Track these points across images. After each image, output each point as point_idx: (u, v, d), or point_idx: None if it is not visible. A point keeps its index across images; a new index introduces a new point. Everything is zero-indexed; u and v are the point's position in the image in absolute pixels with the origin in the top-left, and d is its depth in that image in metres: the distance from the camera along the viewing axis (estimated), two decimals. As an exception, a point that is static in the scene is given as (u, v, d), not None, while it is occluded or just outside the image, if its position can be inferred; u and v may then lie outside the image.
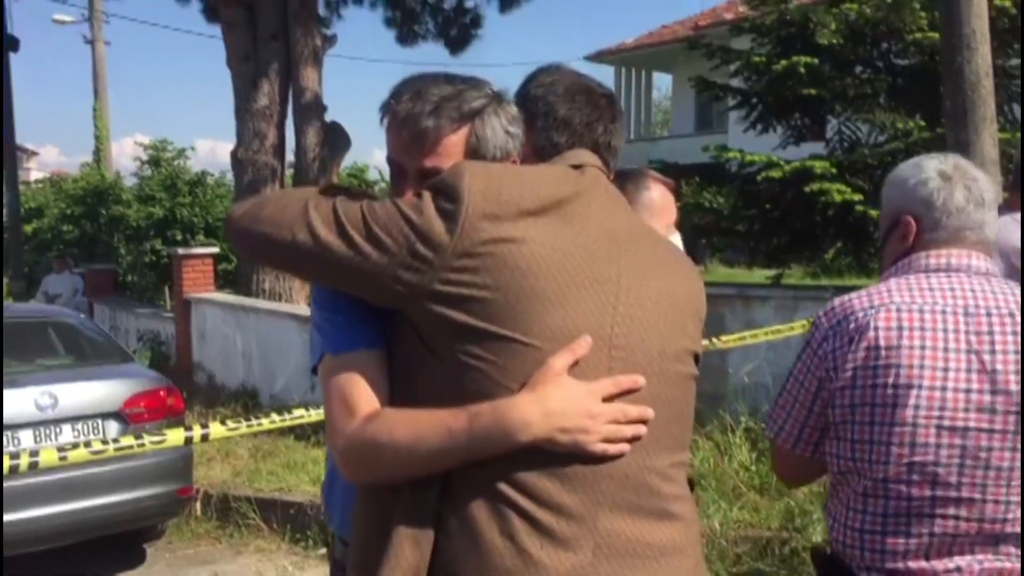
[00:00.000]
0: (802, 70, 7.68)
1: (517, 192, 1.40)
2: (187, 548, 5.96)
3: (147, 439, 4.06)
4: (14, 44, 14.68)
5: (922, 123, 7.58)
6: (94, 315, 13.60)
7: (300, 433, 7.45)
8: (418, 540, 1.35)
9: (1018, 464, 1.72)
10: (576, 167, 1.55)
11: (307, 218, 1.41)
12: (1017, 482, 1.72)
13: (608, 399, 1.38)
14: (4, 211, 15.76)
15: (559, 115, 1.66)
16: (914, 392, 1.73)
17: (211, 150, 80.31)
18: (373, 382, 1.42)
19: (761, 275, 10.65)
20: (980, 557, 1.76)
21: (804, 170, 7.27)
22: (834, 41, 7.69)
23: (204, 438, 4.26)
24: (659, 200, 2.45)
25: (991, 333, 1.74)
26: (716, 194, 8.75)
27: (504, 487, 1.34)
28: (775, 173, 7.55)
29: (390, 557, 1.34)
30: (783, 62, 7.80)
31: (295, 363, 8.73)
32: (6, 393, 5.17)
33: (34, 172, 49.07)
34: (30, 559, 5.23)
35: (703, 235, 9.11)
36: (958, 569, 1.75)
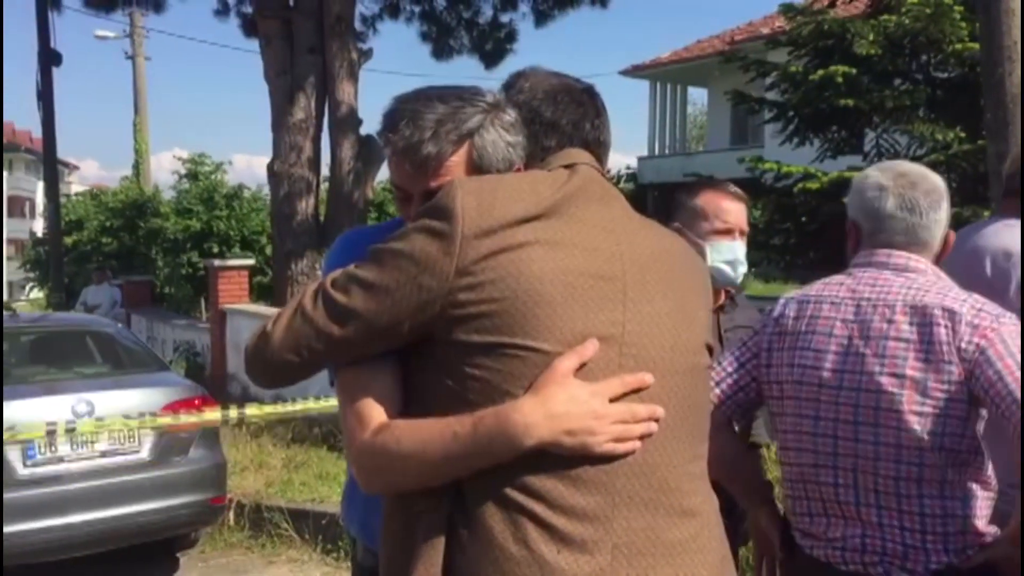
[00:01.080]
0: (839, 79, 7.61)
1: (511, 203, 1.39)
2: (220, 557, 5.98)
3: (184, 418, 4.09)
4: (57, 59, 14.94)
5: (962, 135, 7.48)
6: (131, 325, 13.75)
7: (333, 444, 7.46)
8: (433, 550, 1.35)
9: (884, 441, 1.86)
10: (568, 166, 1.54)
11: (311, 326, 1.42)
12: (886, 459, 1.86)
13: (616, 399, 1.36)
14: (46, 223, 16.01)
15: (545, 119, 1.64)
16: (799, 370, 1.97)
17: (248, 164, 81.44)
18: (386, 394, 1.43)
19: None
20: (859, 530, 1.91)
21: (842, 182, 7.19)
22: (872, 52, 7.62)
23: (241, 420, 4.34)
24: (705, 207, 2.52)
25: (870, 322, 1.91)
26: (752, 207, 8.69)
27: (516, 493, 1.33)
28: (812, 185, 7.49)
29: (411, 571, 1.35)
30: (820, 72, 7.73)
31: (326, 375, 8.74)
32: (45, 400, 5.25)
33: (75, 186, 50.00)
34: (65, 566, 5.27)
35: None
36: (842, 537, 1.92)
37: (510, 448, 1.31)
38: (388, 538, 1.47)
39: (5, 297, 41.15)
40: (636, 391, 1.38)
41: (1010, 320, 1.85)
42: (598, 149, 1.66)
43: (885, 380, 1.86)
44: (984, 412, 1.86)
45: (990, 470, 1.90)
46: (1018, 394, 1.72)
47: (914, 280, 1.94)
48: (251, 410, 4.32)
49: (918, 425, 1.82)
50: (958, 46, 7.52)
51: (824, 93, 7.96)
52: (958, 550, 1.84)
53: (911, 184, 2.00)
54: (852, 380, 1.90)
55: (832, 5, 8.92)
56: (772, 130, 9.96)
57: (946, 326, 1.83)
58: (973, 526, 1.85)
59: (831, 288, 2.03)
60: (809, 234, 8.24)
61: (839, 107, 7.89)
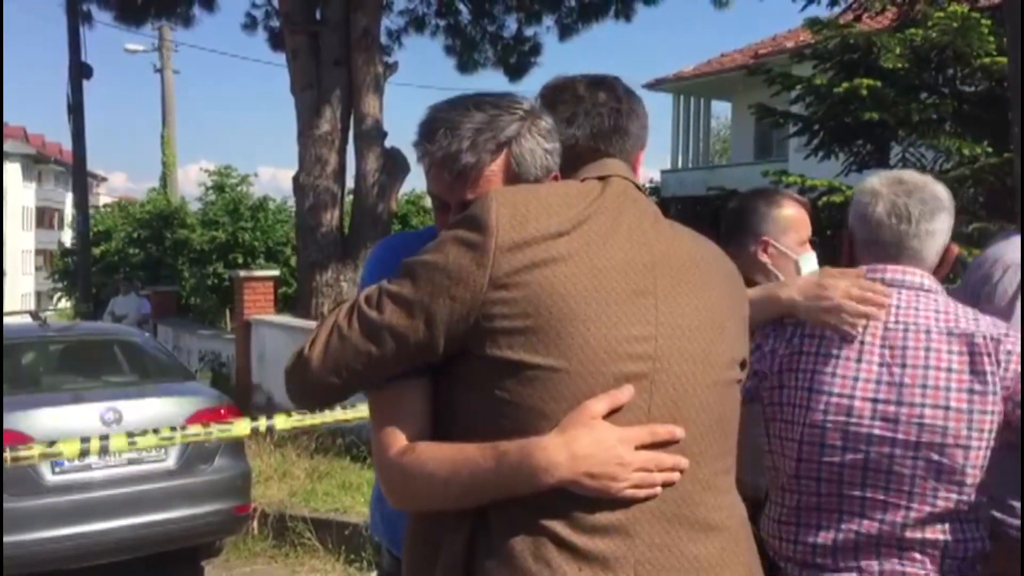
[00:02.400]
0: (864, 92, 7.57)
1: (545, 215, 1.38)
2: (244, 566, 6.01)
3: (215, 429, 4.17)
4: (88, 72, 15.14)
5: (989, 148, 7.43)
6: (158, 335, 13.87)
7: (356, 454, 7.50)
8: (454, 568, 1.36)
9: (919, 474, 1.79)
10: (601, 178, 1.53)
11: (349, 346, 1.41)
12: (920, 492, 1.79)
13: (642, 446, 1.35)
14: (75, 234, 16.17)
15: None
16: (824, 397, 1.84)
17: (272, 176, 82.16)
18: (415, 412, 1.43)
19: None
20: (883, 561, 1.82)
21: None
22: (898, 66, 7.58)
23: (269, 430, 4.39)
24: (791, 217, 2.43)
25: (904, 348, 1.83)
26: (776, 220, 8.66)
27: (537, 513, 1.33)
28: (837, 198, 7.46)
29: None
30: (845, 84, 7.70)
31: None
32: (73, 408, 5.31)
33: (103, 197, 50.56)
34: (92, 573, 5.32)
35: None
36: (859, 569, 1.83)
37: (530, 485, 1.31)
38: (410, 552, 1.48)
39: (33, 306, 41.57)
40: (666, 444, 1.37)
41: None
42: (619, 139, 1.64)
43: (929, 411, 1.78)
44: None
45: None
46: None
47: (935, 302, 1.88)
48: (279, 421, 4.36)
49: (962, 460, 1.76)
50: (985, 59, 7.47)
51: (849, 106, 7.92)
52: (968, 571, 1.81)
53: (906, 192, 1.94)
54: (890, 410, 1.80)
55: (858, 19, 8.90)
56: (796, 144, 9.92)
57: (990, 354, 1.78)
58: (983, 551, 1.82)
59: None
60: (835, 248, 8.19)
61: (864, 120, 7.84)
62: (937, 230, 1.94)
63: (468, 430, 1.38)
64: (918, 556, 1.81)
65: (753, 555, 1.48)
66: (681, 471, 1.37)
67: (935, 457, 1.77)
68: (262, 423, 4.43)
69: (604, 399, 1.33)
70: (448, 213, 1.55)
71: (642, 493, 1.34)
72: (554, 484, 1.30)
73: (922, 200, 1.93)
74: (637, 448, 1.34)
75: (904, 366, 1.81)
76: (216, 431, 4.40)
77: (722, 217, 2.53)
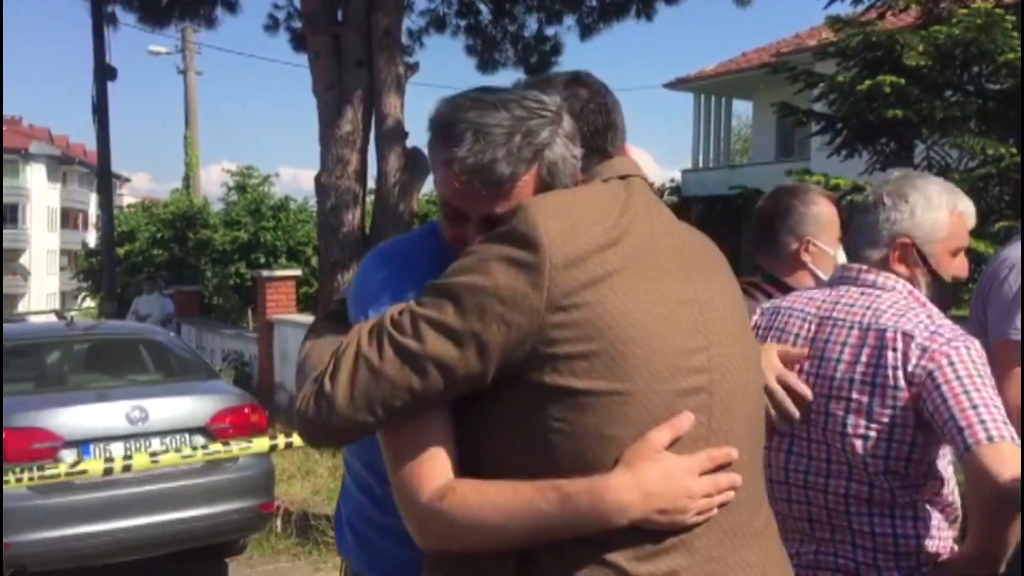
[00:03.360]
0: (887, 90, 7.51)
1: (590, 225, 1.31)
2: (267, 563, 6.05)
3: (234, 446, 4.23)
4: (112, 74, 15.26)
5: (1014, 148, 7.36)
6: (181, 335, 13.98)
7: (378, 453, 7.52)
8: None
9: (834, 461, 1.84)
10: (622, 178, 1.46)
11: (385, 380, 1.28)
12: (836, 480, 1.84)
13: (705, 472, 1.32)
14: (99, 234, 16.30)
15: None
16: None
17: (293, 177, 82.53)
18: (441, 443, 1.32)
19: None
20: (819, 547, 1.89)
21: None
22: (922, 63, 7.52)
23: (288, 446, 4.47)
24: (827, 215, 2.43)
25: (826, 342, 1.88)
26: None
27: (596, 547, 1.27)
28: (861, 198, 7.41)
29: None
30: (868, 82, 7.64)
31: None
32: (99, 407, 5.37)
33: (126, 198, 50.92)
34: (116, 570, 5.37)
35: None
36: (797, 555, 1.89)
37: (601, 526, 1.25)
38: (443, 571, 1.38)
39: (58, 306, 42.02)
40: (723, 467, 1.34)
41: (965, 344, 1.79)
42: (614, 135, 1.54)
43: (832, 404, 1.84)
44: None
45: (953, 494, 1.89)
46: (962, 421, 1.68)
47: (877, 298, 1.90)
48: (297, 438, 4.50)
49: (862, 449, 1.80)
50: (1010, 56, 7.40)
51: (872, 104, 7.86)
52: (910, 569, 1.82)
53: (897, 192, 1.99)
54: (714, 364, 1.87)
55: (881, 17, 8.83)
56: (818, 143, 9.85)
57: (895, 349, 1.80)
58: (926, 547, 1.82)
59: (801, 301, 2.01)
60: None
61: (888, 119, 7.78)
62: (868, 223, 2.01)
63: (506, 462, 1.30)
64: (848, 546, 1.85)
65: (784, 554, 1.48)
66: (735, 489, 1.35)
67: (839, 446, 1.83)
68: (281, 440, 4.55)
69: (667, 429, 1.28)
70: (462, 225, 1.43)
71: (703, 519, 1.30)
72: (626, 525, 1.25)
73: (865, 195, 2.05)
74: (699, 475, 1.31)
75: (821, 359, 1.88)
76: (236, 448, 4.49)
77: (753, 217, 2.51)
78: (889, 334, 1.81)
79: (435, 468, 1.30)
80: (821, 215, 2.42)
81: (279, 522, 6.34)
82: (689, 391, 1.32)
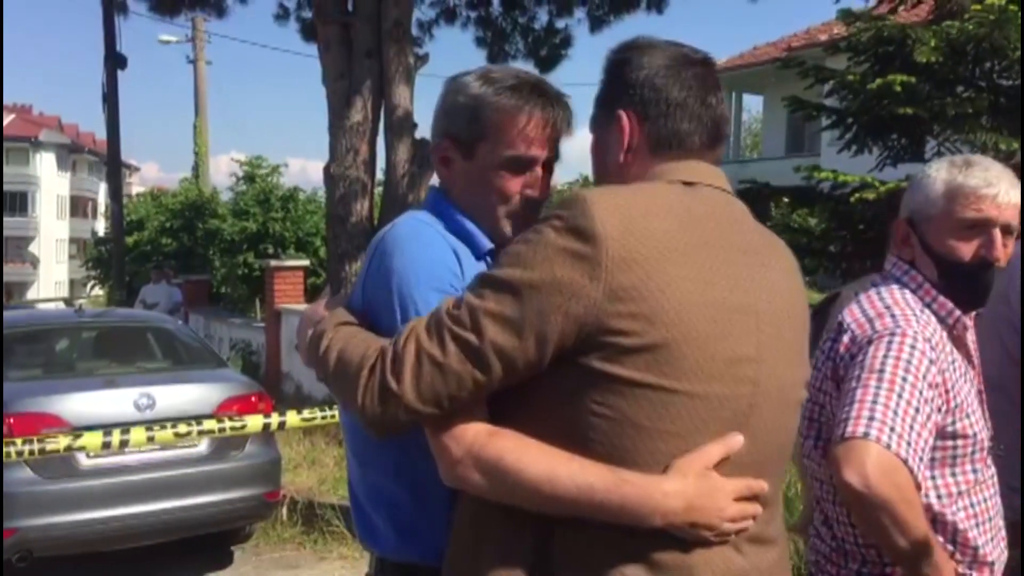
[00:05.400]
0: (898, 88, 7.47)
1: (650, 222, 1.31)
2: (273, 552, 6.07)
3: (228, 424, 4.28)
4: (122, 62, 15.30)
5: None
6: (189, 324, 14.03)
7: (384, 443, 7.54)
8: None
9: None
10: (688, 184, 1.43)
11: (451, 374, 1.31)
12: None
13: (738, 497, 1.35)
14: (108, 223, 16.35)
15: (673, 98, 1.48)
16: None
17: (302, 168, 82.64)
18: (478, 407, 1.37)
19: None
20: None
21: (900, 191, 7.04)
22: (933, 59, 7.47)
23: (281, 425, 4.53)
24: None
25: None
26: (807, 215, 8.58)
27: (614, 550, 1.30)
28: (869, 194, 7.38)
29: None
30: (879, 80, 7.60)
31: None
32: (107, 393, 5.39)
33: (135, 187, 51.11)
34: (122, 556, 5.40)
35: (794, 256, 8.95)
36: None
37: (637, 521, 1.28)
38: (465, 536, 1.43)
39: (67, 294, 42.16)
40: (754, 497, 1.37)
41: (888, 338, 1.74)
42: (724, 128, 1.53)
43: (803, 394, 1.87)
44: None
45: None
46: (840, 414, 1.68)
47: (876, 288, 1.92)
48: (291, 418, 4.57)
49: (820, 437, 1.87)
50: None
51: (883, 101, 7.83)
52: (876, 562, 1.82)
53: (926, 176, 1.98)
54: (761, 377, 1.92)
55: (893, 11, 8.78)
56: (828, 138, 9.85)
57: (834, 339, 1.82)
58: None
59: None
60: (867, 242, 8.11)
61: (899, 115, 7.75)
62: (906, 203, 1.97)
63: (539, 439, 1.32)
64: (822, 531, 1.93)
65: (787, 563, 1.52)
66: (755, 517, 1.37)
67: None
68: (274, 420, 4.59)
69: (720, 447, 1.31)
70: (531, 173, 1.62)
71: (724, 540, 1.33)
72: (660, 528, 1.28)
73: (923, 186, 1.95)
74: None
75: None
76: (229, 427, 4.54)
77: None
78: (838, 323, 1.85)
79: (477, 414, 1.36)
80: None
81: (285, 511, 6.36)
82: (732, 398, 1.33)
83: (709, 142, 1.50)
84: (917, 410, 1.67)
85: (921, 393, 1.69)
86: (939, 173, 1.91)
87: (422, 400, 1.32)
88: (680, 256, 1.31)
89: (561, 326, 1.27)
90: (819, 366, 1.86)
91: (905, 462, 1.61)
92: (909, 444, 1.62)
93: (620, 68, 1.53)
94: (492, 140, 1.61)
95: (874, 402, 1.65)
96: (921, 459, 1.65)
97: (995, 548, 1.86)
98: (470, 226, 1.64)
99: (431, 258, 1.55)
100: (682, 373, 1.28)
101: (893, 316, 1.79)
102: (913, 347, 1.73)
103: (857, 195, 7.55)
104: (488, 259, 1.64)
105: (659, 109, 1.48)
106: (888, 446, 1.60)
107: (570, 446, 1.30)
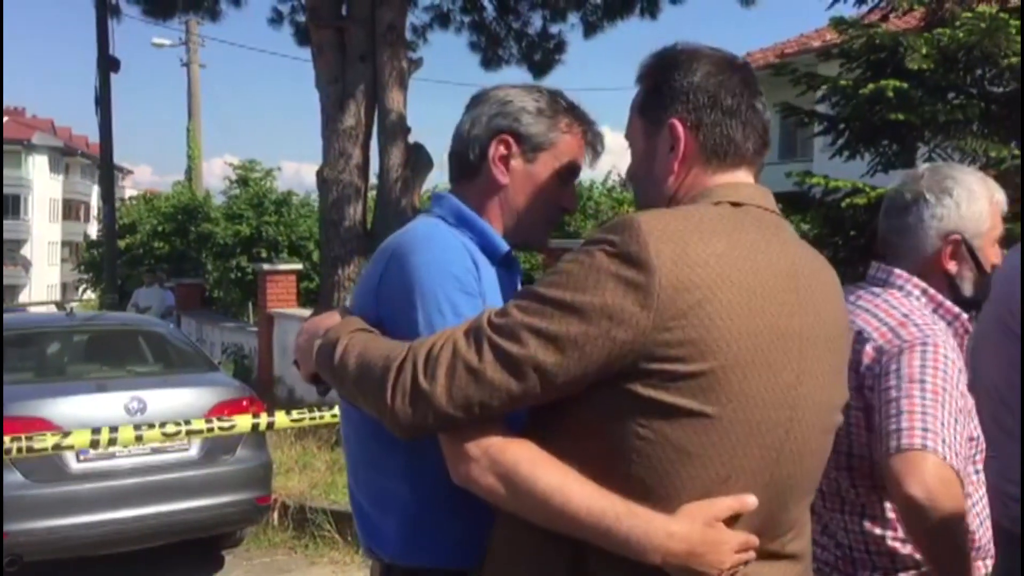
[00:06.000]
0: (890, 94, 7.50)
1: (701, 249, 1.30)
2: (264, 556, 6.07)
3: (217, 424, 4.30)
4: (116, 65, 15.26)
5: (1016, 151, 7.35)
6: (181, 328, 14.00)
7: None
8: None
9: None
10: (736, 204, 1.42)
11: (484, 381, 1.30)
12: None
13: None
14: (101, 226, 16.31)
15: (727, 106, 1.46)
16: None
17: (296, 171, 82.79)
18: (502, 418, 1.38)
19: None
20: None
21: (892, 197, 7.06)
22: (925, 66, 7.50)
23: (269, 426, 4.55)
24: None
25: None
26: (800, 220, 8.60)
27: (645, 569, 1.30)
28: (860, 200, 7.39)
29: None
30: (871, 86, 7.63)
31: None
32: (98, 397, 5.38)
33: (128, 190, 51.00)
34: (113, 561, 5.39)
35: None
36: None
37: (637, 554, 1.28)
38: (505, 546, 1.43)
39: (58, 297, 42.05)
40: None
41: (922, 346, 1.76)
42: (769, 134, 1.53)
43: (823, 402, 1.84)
44: None
45: None
46: (888, 427, 1.67)
47: (877, 296, 1.90)
48: (279, 419, 4.60)
49: (833, 449, 1.82)
50: (1013, 60, 7.38)
51: (875, 107, 7.86)
52: (884, 568, 1.81)
53: (901, 183, 1.98)
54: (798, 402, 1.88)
55: (884, 18, 8.82)
56: (821, 144, 9.86)
57: (857, 349, 1.78)
58: (898, 549, 1.81)
59: None
60: (859, 248, 8.13)
61: (891, 121, 7.78)
62: (910, 224, 1.94)
63: (576, 459, 1.31)
64: (825, 540, 1.88)
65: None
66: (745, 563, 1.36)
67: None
68: (263, 420, 4.59)
69: (733, 502, 1.31)
70: (569, 186, 1.75)
71: None
72: (655, 565, 1.28)
73: (896, 194, 1.97)
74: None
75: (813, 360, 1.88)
76: (217, 427, 4.55)
77: None
78: (857, 333, 1.81)
79: (505, 429, 1.36)
80: None
81: (276, 515, 6.35)
82: (772, 424, 1.33)
83: (759, 148, 1.50)
84: (956, 420, 1.69)
85: (955, 403, 1.71)
86: (982, 188, 1.95)
87: (453, 404, 1.31)
88: (730, 283, 1.30)
89: (607, 351, 1.26)
90: None
91: (956, 473, 1.64)
92: (956, 455, 1.65)
93: (666, 74, 1.49)
94: (558, 150, 1.72)
95: (923, 413, 1.66)
96: (962, 468, 1.67)
97: (990, 546, 1.89)
98: (488, 229, 1.70)
99: (451, 260, 1.57)
100: (727, 400, 1.28)
101: (916, 325, 1.81)
102: (946, 357, 1.76)
103: (849, 200, 7.56)
104: (504, 263, 1.71)
105: (713, 117, 1.46)
106: (944, 457, 1.62)
107: (611, 467, 1.30)
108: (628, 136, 1.58)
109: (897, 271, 1.94)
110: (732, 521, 1.33)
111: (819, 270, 1.47)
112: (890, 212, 2.00)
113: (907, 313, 1.84)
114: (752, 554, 1.35)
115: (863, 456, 1.80)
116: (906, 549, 1.81)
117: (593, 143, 1.78)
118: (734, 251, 1.32)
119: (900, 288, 1.92)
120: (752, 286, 1.31)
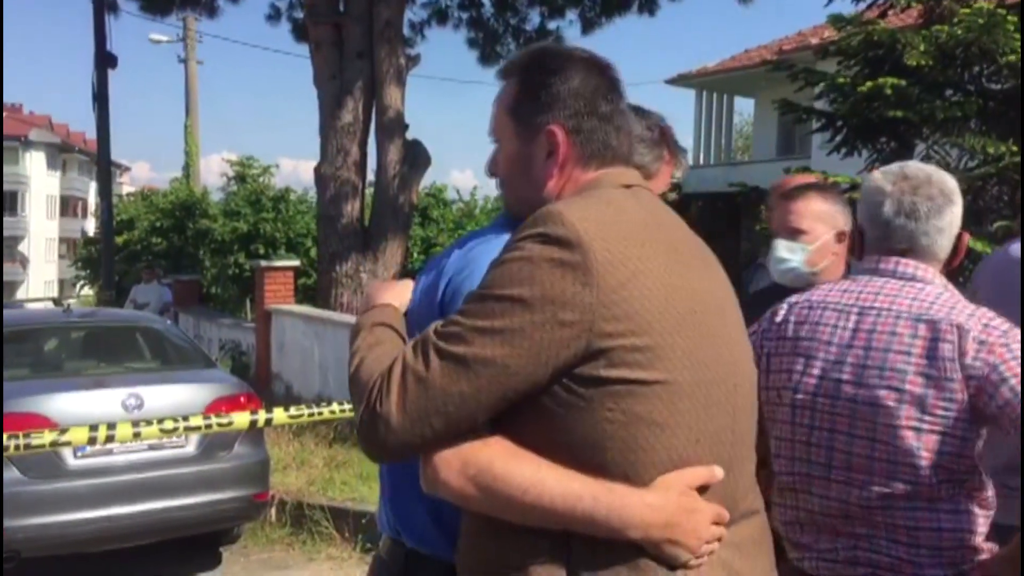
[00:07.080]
0: (888, 91, 7.51)
1: (620, 226, 1.34)
2: (261, 553, 6.06)
3: (215, 420, 4.29)
4: (113, 61, 15.24)
5: (1014, 147, 7.36)
6: (179, 324, 13.99)
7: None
8: None
9: (878, 456, 1.82)
10: (627, 187, 1.47)
11: (433, 390, 1.28)
12: (879, 474, 1.81)
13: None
14: (98, 222, 16.29)
15: (602, 111, 1.50)
16: (795, 376, 1.94)
17: (293, 168, 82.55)
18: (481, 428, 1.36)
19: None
20: (857, 543, 1.85)
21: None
22: (923, 63, 7.51)
23: (267, 422, 4.54)
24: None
25: (872, 331, 1.87)
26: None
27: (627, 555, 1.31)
28: (857, 195, 7.42)
29: None
30: (869, 83, 7.64)
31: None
32: (95, 393, 5.37)
33: (126, 187, 50.97)
34: (111, 557, 5.38)
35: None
36: (834, 550, 1.88)
37: (618, 531, 1.28)
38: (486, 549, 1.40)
39: (56, 294, 42.00)
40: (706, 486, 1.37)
41: (1017, 335, 1.78)
42: (632, 139, 1.59)
43: (883, 393, 1.81)
44: (984, 431, 1.82)
45: (990, 490, 1.86)
46: None
47: (921, 290, 1.89)
48: (277, 415, 4.58)
49: (914, 442, 1.78)
50: (1011, 57, 7.39)
51: (873, 104, 7.86)
52: (953, 564, 1.80)
53: (912, 188, 1.95)
54: (849, 391, 1.85)
55: (883, 15, 8.83)
56: (819, 141, 9.87)
57: (952, 341, 1.77)
58: (969, 542, 1.81)
59: (835, 294, 1.99)
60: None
61: (888, 117, 7.79)
62: (946, 225, 1.96)
63: (550, 451, 1.31)
64: (884, 541, 1.83)
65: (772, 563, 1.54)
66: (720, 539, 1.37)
67: (888, 439, 1.81)
68: (261, 417, 4.59)
69: (704, 472, 1.33)
70: None
71: (698, 562, 1.33)
72: (637, 542, 1.29)
73: (929, 196, 1.95)
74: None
75: (869, 348, 1.85)
76: (215, 424, 4.53)
77: None
78: (943, 326, 1.80)
79: (474, 435, 1.33)
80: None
81: (274, 512, 6.34)
82: (722, 381, 1.38)
83: (630, 151, 1.56)
84: None
85: None
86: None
87: (409, 420, 1.28)
88: (653, 255, 1.34)
89: (558, 335, 1.26)
90: (898, 367, 1.81)
91: None
92: None
93: (543, 78, 1.49)
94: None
95: None
96: None
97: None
98: None
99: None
100: (682, 365, 1.31)
101: (980, 309, 1.85)
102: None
103: (847, 196, 7.57)
104: None
105: (591, 123, 1.48)
106: None
107: (587, 459, 1.30)
108: (495, 133, 1.57)
109: (923, 266, 1.96)
110: (703, 490, 1.34)
111: (701, 243, 1.52)
112: (900, 217, 1.97)
113: (960, 299, 1.89)
114: (724, 530, 1.36)
115: (955, 452, 1.79)
116: (973, 541, 1.81)
117: None
118: (644, 226, 1.38)
119: (930, 281, 1.94)
120: (666, 256, 1.36)
